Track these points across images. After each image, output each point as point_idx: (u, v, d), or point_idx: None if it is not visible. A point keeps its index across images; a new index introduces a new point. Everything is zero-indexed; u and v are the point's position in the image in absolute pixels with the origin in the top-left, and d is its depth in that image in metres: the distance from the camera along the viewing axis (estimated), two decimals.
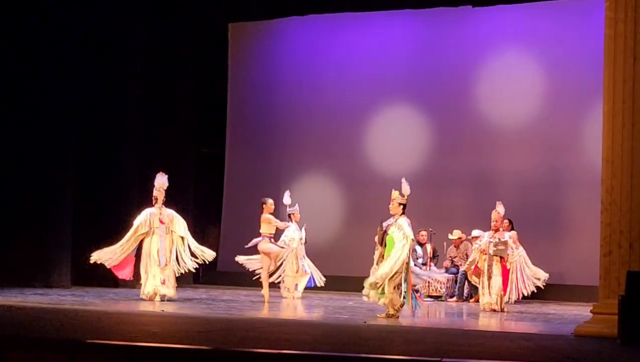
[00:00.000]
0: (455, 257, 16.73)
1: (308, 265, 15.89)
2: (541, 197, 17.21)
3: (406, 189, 12.26)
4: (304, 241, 15.86)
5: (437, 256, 17.20)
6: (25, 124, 16.22)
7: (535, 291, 14.35)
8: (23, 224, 16.00)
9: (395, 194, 12.19)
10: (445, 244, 16.98)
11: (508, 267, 13.54)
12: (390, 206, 12.17)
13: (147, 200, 14.58)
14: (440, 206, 17.79)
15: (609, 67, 9.91)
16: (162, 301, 13.81)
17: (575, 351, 8.39)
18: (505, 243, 13.46)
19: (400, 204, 12.14)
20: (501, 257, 13.46)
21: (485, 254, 13.63)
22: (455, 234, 16.65)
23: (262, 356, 7.14)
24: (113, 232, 15.32)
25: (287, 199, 15.90)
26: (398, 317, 11.94)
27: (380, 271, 11.81)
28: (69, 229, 16.44)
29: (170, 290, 13.93)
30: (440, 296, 16.30)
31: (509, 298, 13.71)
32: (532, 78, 17.55)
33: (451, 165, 18.03)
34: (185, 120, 19.12)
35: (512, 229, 16.08)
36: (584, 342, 9.09)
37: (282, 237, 15.67)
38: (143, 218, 13.87)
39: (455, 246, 16.80)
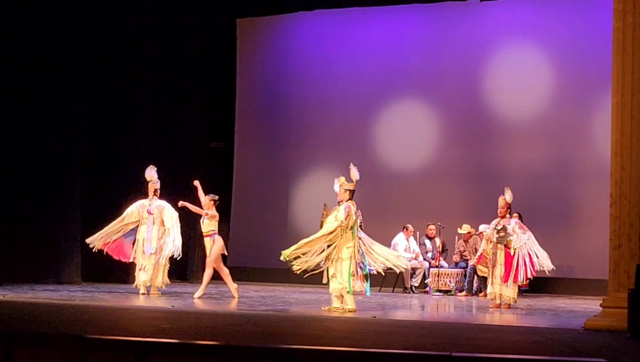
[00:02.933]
0: (464, 251, 16.72)
1: None
2: (550, 190, 17.19)
3: (354, 174, 12.04)
4: None
5: (446, 250, 17.20)
6: (33, 120, 16.27)
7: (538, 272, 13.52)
8: (33, 220, 16.05)
9: (342, 179, 12.02)
10: (456, 238, 16.95)
11: (512, 254, 13.10)
12: (338, 191, 11.98)
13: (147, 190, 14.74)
14: (449, 200, 17.78)
15: (618, 59, 9.89)
16: (147, 292, 14.10)
17: (585, 345, 8.38)
18: (505, 229, 13.18)
19: (347, 190, 11.93)
20: (505, 245, 13.15)
21: (491, 242, 13.32)
22: (465, 229, 16.63)
23: (271, 351, 7.14)
24: None
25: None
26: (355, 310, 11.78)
27: (338, 284, 11.70)
28: (78, 225, 16.47)
29: (150, 277, 14.15)
30: (450, 291, 16.29)
31: (512, 286, 13.10)
32: (541, 71, 17.52)
33: (460, 159, 18.01)
34: (193, 116, 19.15)
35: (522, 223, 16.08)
36: (594, 336, 9.08)
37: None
38: (131, 209, 14.33)
39: (464, 240, 16.79)
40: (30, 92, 16.22)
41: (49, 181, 16.24)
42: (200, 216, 14.00)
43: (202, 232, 13.99)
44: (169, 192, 14.94)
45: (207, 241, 13.90)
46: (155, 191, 14.32)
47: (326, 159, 18.85)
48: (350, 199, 11.92)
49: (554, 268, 13.73)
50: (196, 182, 14.13)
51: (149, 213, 14.22)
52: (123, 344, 7.36)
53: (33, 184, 16.19)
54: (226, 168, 19.92)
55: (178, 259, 14.56)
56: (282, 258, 11.71)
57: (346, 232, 11.69)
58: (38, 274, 15.76)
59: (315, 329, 9.54)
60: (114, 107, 17.50)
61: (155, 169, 14.40)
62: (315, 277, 12.00)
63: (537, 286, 16.56)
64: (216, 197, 14.10)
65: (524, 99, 17.61)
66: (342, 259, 11.69)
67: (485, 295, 14.10)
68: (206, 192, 14.03)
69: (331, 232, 11.65)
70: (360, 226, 15.75)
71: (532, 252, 13.20)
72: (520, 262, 13.05)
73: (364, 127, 18.70)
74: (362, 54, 18.87)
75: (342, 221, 11.63)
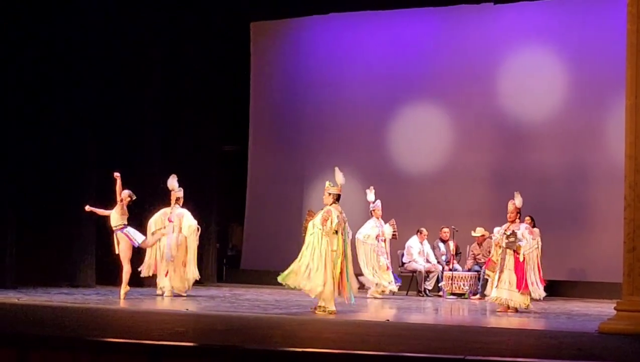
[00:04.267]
0: (478, 254, 16.69)
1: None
2: (564, 193, 17.15)
3: (339, 178, 11.98)
4: (389, 236, 15.75)
5: (460, 253, 17.18)
6: (49, 123, 16.35)
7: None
8: (48, 224, 16.10)
9: (327, 184, 11.96)
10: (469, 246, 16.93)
11: (521, 260, 12.87)
12: (323, 196, 12.00)
13: (170, 198, 15.00)
14: (463, 203, 17.74)
15: (631, 62, 9.87)
16: (162, 294, 14.56)
17: (600, 348, 8.37)
18: (515, 234, 12.98)
19: (330, 194, 11.87)
20: (514, 250, 13.05)
21: (500, 247, 13.13)
22: (478, 232, 16.58)
23: (285, 354, 7.16)
24: (137, 231, 15.40)
25: (370, 196, 15.81)
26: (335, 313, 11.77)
27: (294, 265, 11.78)
28: (92, 229, 16.52)
29: (173, 283, 14.56)
30: (463, 294, 16.26)
31: (532, 295, 12.98)
32: (554, 74, 17.48)
33: (474, 163, 17.97)
34: (207, 119, 19.17)
35: (534, 226, 16.03)
36: (609, 340, 9.06)
37: (357, 234, 15.57)
38: (154, 218, 14.84)
39: (478, 244, 16.75)
40: (45, 97, 16.32)
41: (63, 184, 16.28)
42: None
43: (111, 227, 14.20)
44: (183, 196, 15.02)
45: (120, 235, 14.04)
46: (178, 199, 14.72)
47: (340, 163, 18.65)
48: (334, 203, 11.86)
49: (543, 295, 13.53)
50: (117, 174, 14.12)
51: (170, 221, 14.61)
52: (137, 347, 7.39)
53: (47, 188, 16.25)
54: (240, 171, 19.95)
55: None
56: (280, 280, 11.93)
57: (329, 237, 11.64)
58: (52, 278, 15.82)
59: (329, 332, 9.55)
60: (127, 111, 17.53)
61: (177, 178, 14.76)
62: None
63: (551, 289, 16.52)
64: (134, 197, 14.28)
65: (538, 102, 17.57)
66: (320, 262, 11.66)
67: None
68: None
69: (311, 242, 11.68)
70: (394, 236, 15.84)
71: (537, 262, 13.04)
72: (530, 269, 12.89)
73: (377, 130, 18.69)
74: (376, 58, 18.86)
75: (320, 229, 11.61)
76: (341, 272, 11.75)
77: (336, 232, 11.68)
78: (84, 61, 16.73)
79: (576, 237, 16.93)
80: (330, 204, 11.85)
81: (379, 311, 13.45)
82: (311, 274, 11.65)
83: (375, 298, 15.37)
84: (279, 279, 11.99)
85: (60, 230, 16.20)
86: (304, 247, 11.85)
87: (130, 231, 14.07)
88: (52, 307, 11.93)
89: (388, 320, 11.42)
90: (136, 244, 14.10)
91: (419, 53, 18.60)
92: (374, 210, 15.82)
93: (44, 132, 16.33)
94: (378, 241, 15.59)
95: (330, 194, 11.91)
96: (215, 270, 19.23)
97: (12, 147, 15.90)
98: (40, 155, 16.32)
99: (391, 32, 18.86)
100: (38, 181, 16.24)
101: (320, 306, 11.85)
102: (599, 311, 12.95)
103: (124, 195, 14.07)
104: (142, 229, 14.86)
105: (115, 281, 16.55)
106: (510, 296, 12.87)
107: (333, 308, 11.80)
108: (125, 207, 14.07)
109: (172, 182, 14.73)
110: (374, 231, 15.60)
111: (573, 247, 16.91)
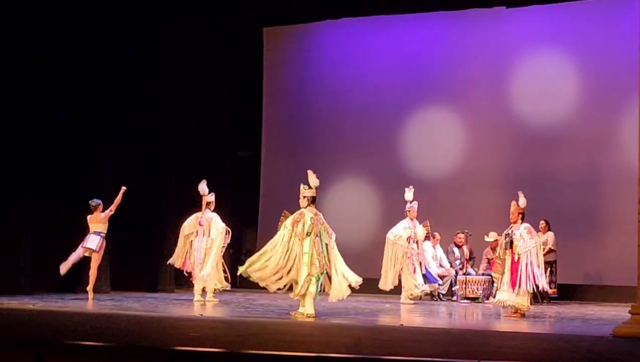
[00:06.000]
0: (492, 259, 16.66)
1: (424, 264, 15.79)
2: (578, 197, 17.12)
3: (313, 180, 11.99)
4: (422, 237, 15.72)
5: (474, 257, 17.17)
6: (59, 130, 16.41)
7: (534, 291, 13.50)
8: (62, 230, 16.15)
9: (301, 187, 12.02)
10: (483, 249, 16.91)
11: (515, 260, 12.76)
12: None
13: (183, 204, 15.06)
14: (477, 208, 17.73)
15: None
16: (201, 297, 14.94)
17: (614, 352, 8.35)
18: (512, 234, 12.89)
19: (305, 196, 11.94)
20: (511, 250, 12.91)
21: (502, 248, 13.06)
22: (492, 236, 16.54)
23: (300, 359, 7.17)
24: (151, 236, 15.44)
25: (409, 195, 15.77)
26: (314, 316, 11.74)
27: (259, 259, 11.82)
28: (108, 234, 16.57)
29: (207, 284, 14.99)
30: (477, 298, 16.25)
31: (521, 291, 12.67)
32: (567, 77, 17.47)
33: (488, 167, 17.97)
34: (221, 125, 19.23)
35: (549, 230, 16.00)
36: (623, 343, 9.03)
37: (388, 234, 15.55)
38: (187, 222, 15.11)
39: (491, 248, 16.72)
40: (59, 106, 16.43)
41: (78, 190, 16.33)
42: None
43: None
44: (197, 201, 15.06)
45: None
46: (208, 204, 14.99)
47: (353, 167, 18.87)
48: (309, 205, 11.91)
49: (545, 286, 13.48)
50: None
51: (200, 225, 14.93)
52: (152, 352, 7.41)
53: (62, 193, 16.31)
54: (253, 176, 19.99)
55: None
56: (240, 272, 11.91)
57: (300, 239, 11.67)
58: (67, 284, 15.86)
59: (344, 336, 9.56)
60: (141, 118, 17.59)
61: (206, 182, 15.02)
62: None
63: (565, 293, 16.49)
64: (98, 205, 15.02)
65: (551, 106, 17.56)
66: (300, 266, 11.67)
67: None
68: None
69: (279, 241, 11.71)
70: (427, 236, 15.80)
71: (536, 263, 12.83)
72: (523, 268, 12.71)
73: (391, 134, 18.70)
74: (388, 62, 18.88)
75: (289, 229, 11.67)
76: (327, 273, 11.77)
77: (308, 234, 11.70)
78: (95, 69, 16.82)
79: (591, 240, 16.90)
80: (305, 207, 11.89)
81: (393, 315, 13.45)
82: (284, 276, 11.68)
83: (405, 304, 15.31)
84: (241, 270, 11.93)
85: (74, 236, 16.23)
86: (272, 246, 11.79)
87: (89, 238, 14.75)
88: (67, 313, 11.97)
89: (402, 324, 11.42)
90: (81, 246, 14.72)
91: (432, 57, 18.61)
92: (409, 210, 15.72)
93: (60, 138, 16.40)
94: (409, 243, 15.53)
95: (304, 197, 11.99)
96: (234, 274, 19.26)
97: (28, 153, 15.98)
98: (56, 162, 16.39)
99: (403, 37, 18.88)
100: (53, 186, 16.30)
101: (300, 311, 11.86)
102: (613, 315, 12.92)
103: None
104: (162, 234, 14.93)
105: (130, 287, 16.65)
106: (509, 297, 12.79)
107: (312, 312, 11.76)
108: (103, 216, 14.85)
109: (203, 187, 15.00)
110: (406, 232, 15.52)
111: (588, 250, 16.88)
